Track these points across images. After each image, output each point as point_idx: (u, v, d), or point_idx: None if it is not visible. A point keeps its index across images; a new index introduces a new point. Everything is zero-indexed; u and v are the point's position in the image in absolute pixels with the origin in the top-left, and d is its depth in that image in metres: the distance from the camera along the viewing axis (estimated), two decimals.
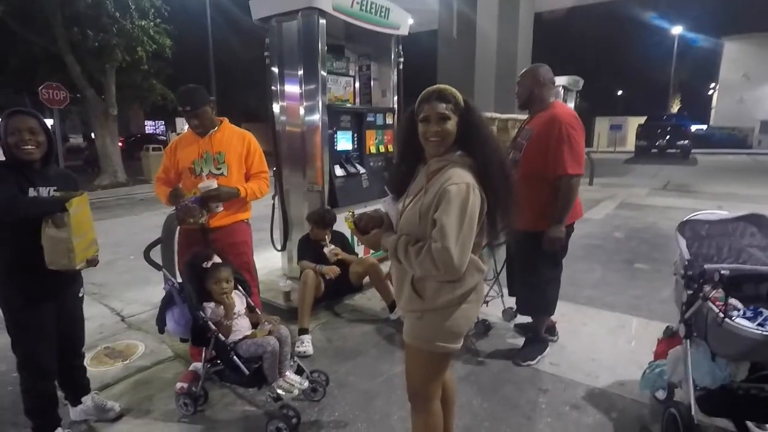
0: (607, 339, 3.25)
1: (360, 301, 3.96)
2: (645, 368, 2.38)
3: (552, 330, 3.20)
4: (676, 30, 27.66)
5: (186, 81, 2.84)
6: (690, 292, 2.09)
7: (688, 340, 2.08)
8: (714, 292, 2.08)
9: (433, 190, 1.56)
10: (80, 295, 2.26)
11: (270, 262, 4.63)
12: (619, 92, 42.02)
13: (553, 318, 3.26)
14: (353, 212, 1.89)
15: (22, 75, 13.47)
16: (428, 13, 7.65)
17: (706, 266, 2.03)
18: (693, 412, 1.95)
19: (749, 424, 2.12)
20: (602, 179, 12.10)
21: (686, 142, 18.99)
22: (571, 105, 10.44)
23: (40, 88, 10.78)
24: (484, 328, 3.34)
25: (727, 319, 1.80)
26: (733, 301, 2.06)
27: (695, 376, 2.01)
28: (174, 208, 2.65)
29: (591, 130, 28.25)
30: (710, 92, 31.68)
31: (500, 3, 6.94)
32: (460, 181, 1.51)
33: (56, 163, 2.21)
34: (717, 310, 1.86)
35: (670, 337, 2.36)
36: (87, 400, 2.37)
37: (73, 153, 18.73)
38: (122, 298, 4.10)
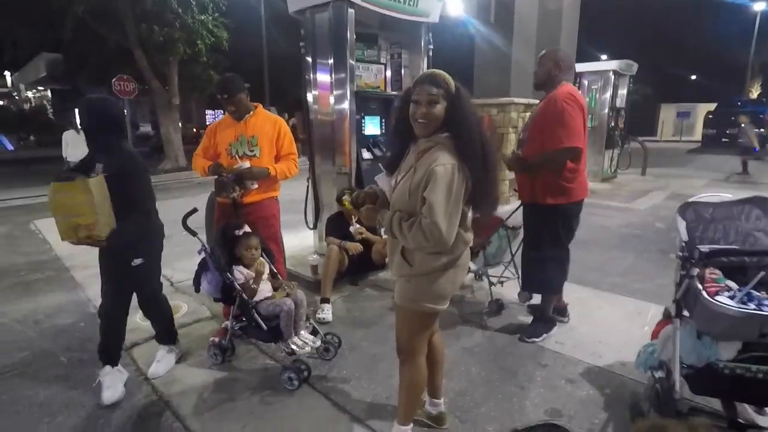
0: (620, 323, 3.27)
1: (383, 277, 4.20)
2: (640, 348, 2.43)
3: (563, 311, 3.27)
4: (759, 6, 25.12)
5: (242, 72, 3.16)
6: (683, 272, 2.12)
7: (678, 319, 2.12)
8: (709, 272, 2.12)
9: (421, 170, 1.72)
10: (133, 265, 2.48)
11: (305, 241, 4.98)
12: (693, 77, 38.90)
13: (567, 300, 3.33)
14: (349, 191, 2.10)
15: (100, 69, 14.81)
16: None
17: (698, 246, 2.06)
18: (676, 389, 2.01)
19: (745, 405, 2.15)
20: (658, 169, 11.51)
21: (763, 130, 17.37)
22: (623, 91, 10.00)
23: (113, 80, 11.86)
24: (497, 307, 3.46)
25: (705, 295, 1.85)
26: (729, 282, 2.09)
27: (682, 354, 2.06)
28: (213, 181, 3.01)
29: (655, 118, 26.57)
30: None
31: None
32: (446, 162, 1.67)
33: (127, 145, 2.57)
34: (700, 288, 1.90)
35: (667, 319, 2.39)
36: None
37: (141, 140, 20.33)
38: (173, 267, 4.58)
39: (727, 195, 2.28)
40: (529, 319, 3.30)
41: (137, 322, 3.21)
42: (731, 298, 1.90)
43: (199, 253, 2.71)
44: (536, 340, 3.00)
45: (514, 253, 3.50)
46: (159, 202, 2.65)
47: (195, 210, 2.70)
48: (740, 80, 28.44)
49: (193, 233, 2.70)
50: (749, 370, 1.94)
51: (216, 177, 2.93)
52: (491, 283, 3.49)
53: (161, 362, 2.77)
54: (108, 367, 2.57)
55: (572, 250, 3.15)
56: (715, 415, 2.10)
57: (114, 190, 2.28)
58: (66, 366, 2.88)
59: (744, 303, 1.86)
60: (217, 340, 2.84)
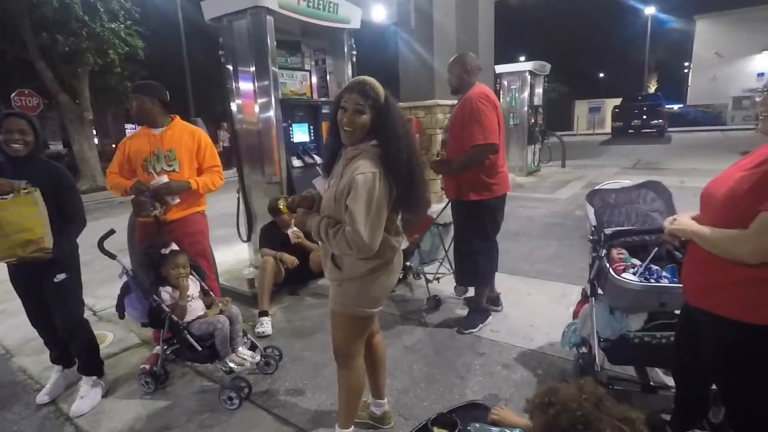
0: (548, 307, 3.50)
1: (323, 284, 4.17)
2: (564, 328, 2.62)
3: (496, 301, 3.44)
4: (649, 10, 28.02)
5: (163, 82, 2.99)
6: (594, 254, 2.32)
7: (593, 298, 2.31)
8: (617, 253, 2.34)
9: (346, 177, 1.72)
10: (56, 280, 2.43)
11: (240, 254, 4.84)
12: (601, 75, 42.47)
13: (500, 290, 3.51)
14: (285, 197, 2.08)
15: None
16: (393, 4, 7.87)
17: (604, 230, 2.27)
18: (597, 361, 2.19)
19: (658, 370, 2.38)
20: (575, 161, 12.41)
21: (660, 121, 19.36)
22: (539, 90, 10.70)
23: (12, 95, 10.78)
24: (435, 303, 3.56)
25: (612, 273, 2.03)
26: (634, 260, 2.31)
27: (599, 329, 2.25)
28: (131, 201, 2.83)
29: (571, 114, 28.63)
30: (685, 71, 32.17)
31: None
32: (367, 170, 1.67)
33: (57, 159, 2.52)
34: (608, 267, 2.09)
35: (585, 298, 2.59)
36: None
37: (52, 160, 18.60)
38: (95, 294, 4.26)
39: (626, 181, 2.52)
40: (465, 311, 3.43)
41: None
42: (635, 274, 2.10)
43: (121, 276, 2.54)
44: (473, 330, 3.13)
45: (447, 249, 3.63)
46: None
47: (112, 231, 2.53)
48: (640, 77, 31.46)
49: (112, 256, 2.53)
50: (655, 337, 2.17)
51: (132, 196, 2.76)
52: (428, 280, 3.60)
53: (85, 398, 2.54)
54: (59, 367, 2.71)
55: (502, 241, 3.33)
56: (631, 381, 2.31)
57: (50, 203, 2.34)
58: None
59: (646, 278, 2.07)
60: (147, 367, 2.68)
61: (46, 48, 11.42)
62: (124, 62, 12.95)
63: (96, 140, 14.31)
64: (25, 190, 2.25)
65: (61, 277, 2.45)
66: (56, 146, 23.24)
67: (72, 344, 2.62)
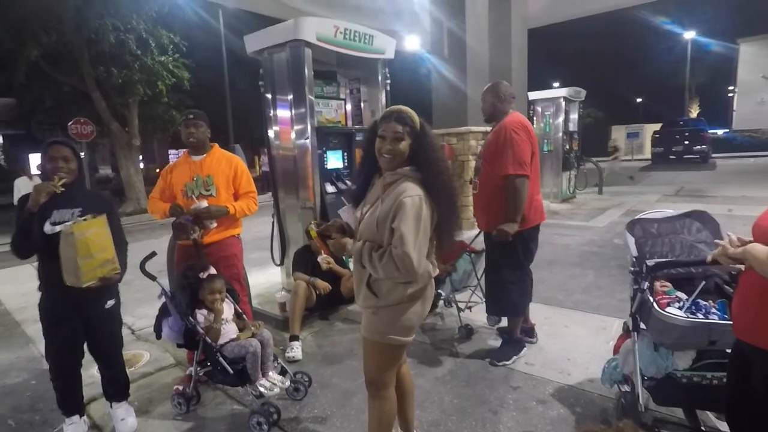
0: (586, 339, 3.34)
1: (354, 310, 4.14)
2: (604, 364, 2.49)
3: (531, 332, 3.32)
4: (689, 35, 27.40)
5: (206, 110, 3.15)
6: (636, 286, 2.22)
7: (636, 333, 2.20)
8: (660, 285, 2.23)
9: (389, 201, 1.75)
10: (107, 307, 2.46)
11: (273, 278, 4.91)
12: (638, 99, 41.51)
13: (536, 321, 3.39)
14: (317, 222, 2.11)
15: (55, 112, 14.45)
16: (426, 33, 8.04)
17: (645, 261, 2.17)
18: (640, 401, 2.07)
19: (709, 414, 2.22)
20: (613, 188, 12.06)
21: (704, 146, 18.61)
22: (574, 116, 10.55)
23: (69, 123, 11.57)
24: (466, 332, 3.48)
25: (656, 307, 1.93)
26: (679, 293, 2.19)
27: (642, 367, 2.13)
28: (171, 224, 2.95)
29: (608, 139, 27.96)
30: (729, 95, 30.98)
31: (490, 22, 7.20)
32: (414, 194, 1.71)
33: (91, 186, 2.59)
34: (651, 300, 1.99)
35: (626, 333, 2.47)
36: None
37: (101, 183, 19.67)
38: (134, 314, 4.41)
39: (669, 210, 2.42)
40: (499, 342, 3.32)
41: (96, 374, 3.00)
42: (680, 308, 1.99)
43: (160, 297, 2.62)
44: (506, 363, 3.02)
45: (479, 277, 3.56)
46: None
47: (154, 254, 2.62)
48: (680, 101, 30.53)
49: (152, 277, 2.61)
50: (705, 377, 2.03)
51: (174, 220, 2.87)
52: (460, 309, 3.53)
53: (126, 420, 2.56)
54: (76, 417, 2.50)
55: (536, 270, 3.24)
56: (680, 425, 2.16)
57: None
58: (14, 430, 2.68)
59: (693, 313, 1.96)
60: (180, 388, 2.72)
61: (102, 80, 12.28)
62: (170, 92, 13.74)
63: (141, 165, 15.08)
64: (91, 216, 2.27)
65: (111, 303, 2.48)
66: (105, 170, 24.68)
67: (111, 371, 2.60)
